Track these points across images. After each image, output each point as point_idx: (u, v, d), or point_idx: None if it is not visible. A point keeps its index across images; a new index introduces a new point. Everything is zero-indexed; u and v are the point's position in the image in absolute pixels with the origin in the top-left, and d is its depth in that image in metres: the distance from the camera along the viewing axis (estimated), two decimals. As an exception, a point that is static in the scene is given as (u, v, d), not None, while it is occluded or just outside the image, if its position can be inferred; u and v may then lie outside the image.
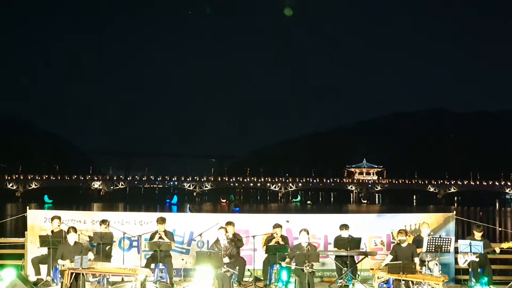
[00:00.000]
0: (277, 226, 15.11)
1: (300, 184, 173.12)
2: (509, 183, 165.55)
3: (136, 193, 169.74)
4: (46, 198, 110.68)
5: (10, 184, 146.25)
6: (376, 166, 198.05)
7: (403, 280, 12.74)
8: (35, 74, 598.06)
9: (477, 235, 14.46)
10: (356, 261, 15.15)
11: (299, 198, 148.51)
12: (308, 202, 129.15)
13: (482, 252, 13.86)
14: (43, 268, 14.79)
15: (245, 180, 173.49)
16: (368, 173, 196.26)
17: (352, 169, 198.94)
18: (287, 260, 14.00)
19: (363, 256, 15.29)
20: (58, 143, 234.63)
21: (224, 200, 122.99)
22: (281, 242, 14.78)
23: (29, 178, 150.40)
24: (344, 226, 15.18)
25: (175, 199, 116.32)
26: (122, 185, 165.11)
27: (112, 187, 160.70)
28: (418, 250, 14.12)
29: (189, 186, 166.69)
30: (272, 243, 14.79)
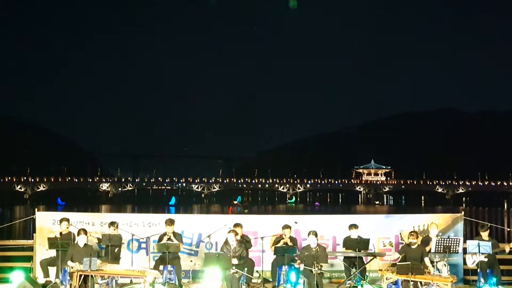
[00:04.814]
0: (286, 227, 15.11)
1: (308, 185, 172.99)
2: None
3: (144, 195, 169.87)
4: (59, 200, 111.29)
5: (18, 187, 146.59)
6: (384, 167, 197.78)
7: (411, 280, 12.76)
8: (43, 76, 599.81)
9: (484, 235, 14.44)
10: (365, 262, 15.15)
11: (294, 199, 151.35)
12: (316, 203, 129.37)
13: (491, 253, 13.84)
14: (52, 270, 14.81)
15: (253, 181, 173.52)
16: (376, 174, 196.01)
17: (360, 170, 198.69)
18: (298, 261, 14.02)
19: (372, 257, 15.29)
20: (66, 145, 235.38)
21: (236, 202, 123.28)
22: (290, 243, 14.80)
23: (37, 180, 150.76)
24: (354, 226, 15.19)
25: (172, 201, 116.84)
26: (130, 186, 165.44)
27: (120, 189, 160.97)
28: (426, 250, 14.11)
29: (197, 188, 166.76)
30: (281, 244, 14.82)
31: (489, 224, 15.19)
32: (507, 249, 14.42)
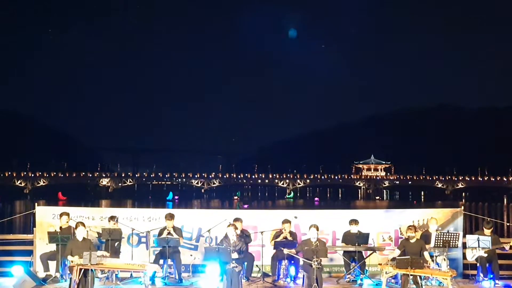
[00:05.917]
0: (286, 221, 15.15)
1: (308, 181, 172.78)
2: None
3: (144, 190, 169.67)
4: (60, 195, 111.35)
5: (19, 181, 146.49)
6: (384, 162, 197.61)
7: (411, 275, 12.74)
8: (42, 71, 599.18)
9: (487, 231, 14.41)
10: (364, 257, 15.17)
11: (292, 194, 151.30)
12: (316, 198, 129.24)
13: (490, 247, 13.84)
14: (52, 264, 14.88)
15: (253, 176, 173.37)
16: (376, 169, 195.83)
17: (360, 165, 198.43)
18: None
19: (371, 252, 15.30)
20: (66, 140, 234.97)
21: (236, 197, 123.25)
22: (289, 238, 14.83)
23: (37, 175, 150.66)
24: (354, 221, 15.23)
25: (170, 196, 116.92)
26: (130, 182, 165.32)
27: (120, 184, 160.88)
28: (426, 246, 14.11)
29: (197, 183, 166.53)
30: (280, 238, 14.85)
31: (493, 220, 15.18)
32: (507, 247, 14.42)
